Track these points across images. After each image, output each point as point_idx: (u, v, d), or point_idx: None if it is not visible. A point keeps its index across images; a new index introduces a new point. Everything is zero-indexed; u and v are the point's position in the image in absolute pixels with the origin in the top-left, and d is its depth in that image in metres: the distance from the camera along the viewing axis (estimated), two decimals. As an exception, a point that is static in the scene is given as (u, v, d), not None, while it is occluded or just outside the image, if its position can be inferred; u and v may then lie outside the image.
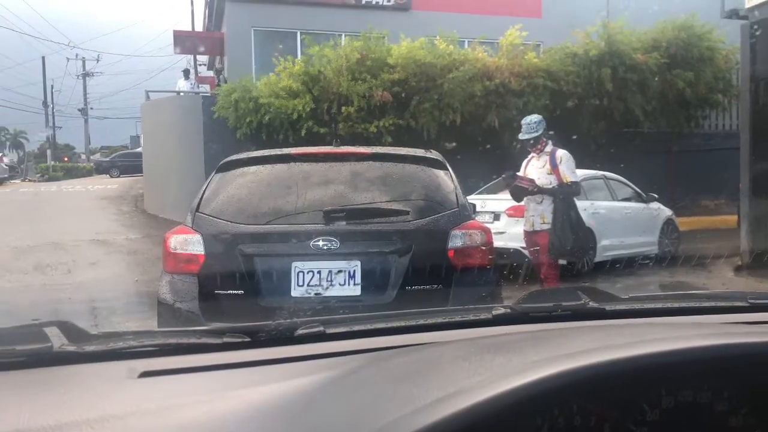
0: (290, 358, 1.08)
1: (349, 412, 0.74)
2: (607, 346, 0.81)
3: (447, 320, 1.25)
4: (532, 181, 5.70)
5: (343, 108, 11.34)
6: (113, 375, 1.03)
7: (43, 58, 40.31)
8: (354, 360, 1.00)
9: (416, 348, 1.03)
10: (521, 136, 5.90)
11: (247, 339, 1.16)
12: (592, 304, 1.27)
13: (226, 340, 1.14)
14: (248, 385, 0.92)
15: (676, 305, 1.33)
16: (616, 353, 0.76)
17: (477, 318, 1.26)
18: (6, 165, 23.32)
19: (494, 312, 1.26)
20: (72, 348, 1.07)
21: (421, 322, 1.25)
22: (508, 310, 1.28)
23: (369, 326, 1.25)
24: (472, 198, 7.04)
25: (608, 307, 1.29)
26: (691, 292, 1.55)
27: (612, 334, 0.95)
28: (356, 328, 1.23)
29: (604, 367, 0.74)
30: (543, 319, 1.22)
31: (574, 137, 9.18)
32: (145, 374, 1.01)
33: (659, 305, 1.32)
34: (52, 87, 42.30)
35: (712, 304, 1.34)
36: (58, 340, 1.06)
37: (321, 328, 1.19)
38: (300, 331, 1.18)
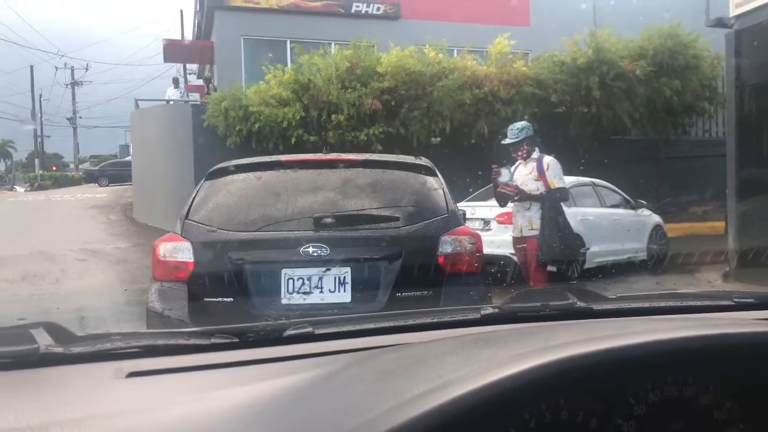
0: (279, 358, 1.08)
1: (336, 408, 0.74)
2: (593, 338, 0.81)
3: (435, 320, 1.26)
4: (517, 188, 5.72)
5: (333, 116, 11.37)
6: (100, 376, 1.02)
7: (32, 67, 40.12)
8: (342, 359, 1.00)
9: (403, 346, 1.04)
10: (503, 141, 5.99)
11: (236, 339, 1.15)
12: (580, 304, 1.28)
13: (214, 340, 1.14)
14: (236, 384, 0.92)
15: (663, 304, 1.35)
16: (601, 344, 0.77)
17: (465, 318, 1.27)
18: (-7, 174, 23.12)
19: (482, 312, 1.26)
20: (58, 349, 1.06)
21: (410, 322, 1.25)
22: (497, 310, 1.29)
23: (358, 327, 1.25)
24: (462, 205, 7.06)
25: (596, 306, 1.30)
26: (678, 291, 1.56)
27: (598, 328, 0.96)
28: (345, 328, 1.23)
29: (589, 357, 0.74)
30: (531, 319, 1.23)
31: (562, 143, 9.26)
32: (133, 374, 1.01)
33: (647, 304, 1.34)
34: (40, 96, 42.04)
35: (699, 303, 1.35)
36: (44, 342, 1.05)
37: (310, 329, 1.19)
38: (289, 332, 1.18)
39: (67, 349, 1.06)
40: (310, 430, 0.69)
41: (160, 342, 1.13)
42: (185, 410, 0.81)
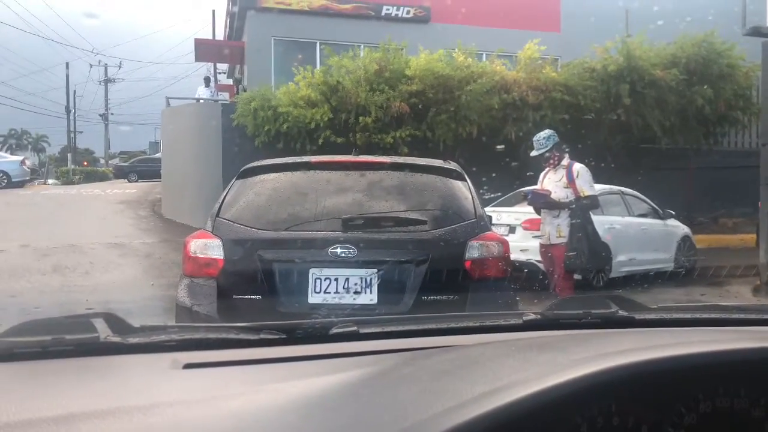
0: (325, 355, 1.10)
1: (394, 405, 0.76)
2: (649, 347, 0.81)
3: (478, 324, 1.27)
4: (548, 191, 5.72)
5: (361, 118, 11.41)
6: (158, 366, 1.06)
7: (67, 63, 41.02)
8: (388, 358, 1.01)
9: (454, 348, 1.05)
10: (532, 153, 5.92)
11: (284, 336, 1.18)
12: (622, 313, 1.28)
13: (263, 336, 1.17)
14: (288, 378, 0.94)
15: (705, 316, 1.34)
16: (660, 353, 0.77)
17: (507, 323, 1.27)
18: (28, 168, 23.63)
19: (525, 318, 1.27)
20: (117, 339, 1.10)
21: (452, 325, 1.27)
22: (539, 317, 1.29)
23: (401, 327, 1.27)
24: (488, 210, 7.03)
25: (638, 316, 1.29)
26: (720, 304, 1.55)
27: (653, 337, 0.95)
28: (389, 328, 1.25)
29: (649, 365, 0.74)
30: (573, 326, 1.23)
31: (590, 151, 9.16)
32: (189, 366, 1.04)
33: (688, 315, 1.33)
34: (74, 92, 42.94)
35: (742, 316, 1.34)
36: (104, 331, 1.10)
37: (354, 328, 1.22)
38: (334, 330, 1.21)
39: (124, 339, 1.11)
40: (370, 425, 0.70)
41: (212, 336, 1.17)
42: (243, 402, 0.84)
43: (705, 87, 12.25)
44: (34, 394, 0.91)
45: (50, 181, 28.79)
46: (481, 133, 11.63)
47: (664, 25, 12.88)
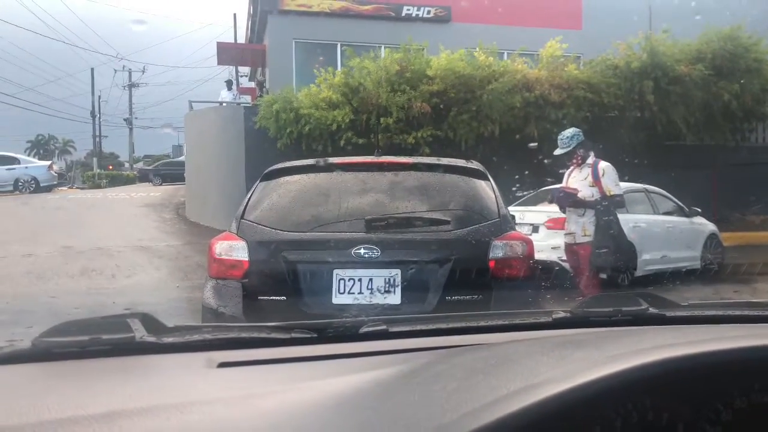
0: (356, 353, 1.12)
1: (430, 402, 0.76)
2: (688, 342, 0.81)
3: (507, 322, 1.27)
4: (575, 189, 5.68)
5: (382, 119, 11.42)
6: (193, 365, 1.09)
7: (92, 69, 41.72)
8: (419, 356, 1.02)
9: (486, 346, 1.05)
10: (555, 152, 5.88)
11: (314, 335, 1.20)
12: (653, 310, 1.27)
13: (294, 335, 1.19)
14: (321, 377, 0.95)
15: (737, 313, 1.32)
16: (698, 348, 0.76)
17: (537, 321, 1.27)
18: (55, 172, 24.10)
19: (554, 316, 1.27)
20: (152, 339, 1.13)
21: (482, 323, 1.27)
22: (569, 314, 1.29)
23: (430, 326, 1.28)
24: (511, 209, 6.98)
25: (669, 313, 1.28)
26: (752, 300, 1.52)
27: (687, 333, 0.95)
28: (418, 327, 1.26)
29: (686, 360, 0.74)
30: (603, 324, 1.23)
31: (614, 148, 9.02)
32: (223, 365, 1.06)
33: (720, 312, 1.31)
34: (99, 97, 43.67)
35: None
36: (139, 331, 1.12)
37: (384, 327, 1.23)
38: (364, 329, 1.22)
39: (159, 338, 1.13)
40: (406, 422, 0.70)
41: (245, 335, 1.19)
42: (280, 399, 0.85)
43: (731, 82, 12.00)
44: (75, 393, 0.94)
45: (77, 185, 29.29)
46: (503, 132, 11.57)
47: (688, 20, 12.69)
